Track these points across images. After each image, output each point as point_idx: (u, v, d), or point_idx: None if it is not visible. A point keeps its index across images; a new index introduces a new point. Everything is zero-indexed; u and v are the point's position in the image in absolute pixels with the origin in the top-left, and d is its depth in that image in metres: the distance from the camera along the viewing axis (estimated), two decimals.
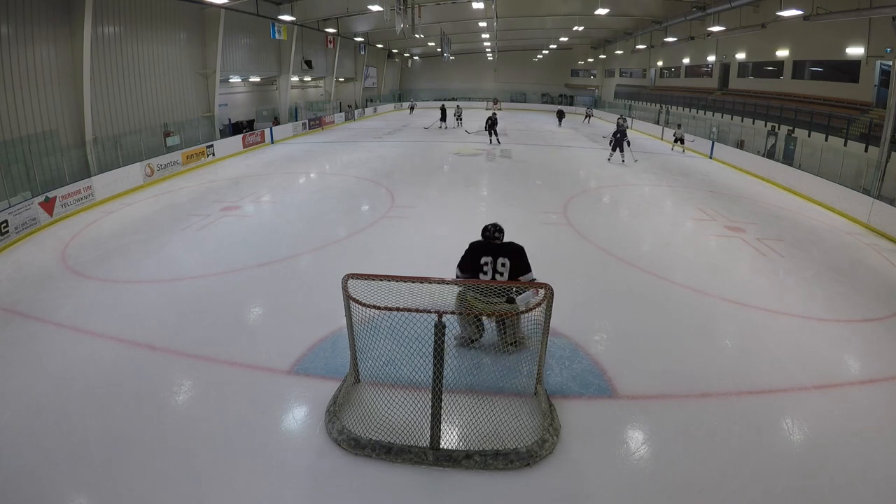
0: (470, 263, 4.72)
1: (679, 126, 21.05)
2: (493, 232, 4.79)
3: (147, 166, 13.23)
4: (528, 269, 4.68)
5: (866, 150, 12.65)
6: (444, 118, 26.51)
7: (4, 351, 5.15)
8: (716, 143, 18.52)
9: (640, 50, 30.38)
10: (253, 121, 22.12)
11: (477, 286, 4.57)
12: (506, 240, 4.87)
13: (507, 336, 4.69)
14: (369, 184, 12.98)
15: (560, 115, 30.72)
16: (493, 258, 4.64)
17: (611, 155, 16.67)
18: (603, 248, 8.22)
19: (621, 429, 4.08)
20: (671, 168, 16.17)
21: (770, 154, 16.28)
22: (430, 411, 3.66)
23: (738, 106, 20.21)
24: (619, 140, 16.24)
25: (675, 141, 20.05)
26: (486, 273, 4.62)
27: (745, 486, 3.51)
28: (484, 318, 4.82)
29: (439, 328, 3.47)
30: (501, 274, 4.59)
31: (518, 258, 4.65)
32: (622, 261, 7.73)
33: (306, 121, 24.42)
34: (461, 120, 26.93)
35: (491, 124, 19.93)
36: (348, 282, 3.85)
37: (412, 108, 34.99)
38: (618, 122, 19.92)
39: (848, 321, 6.02)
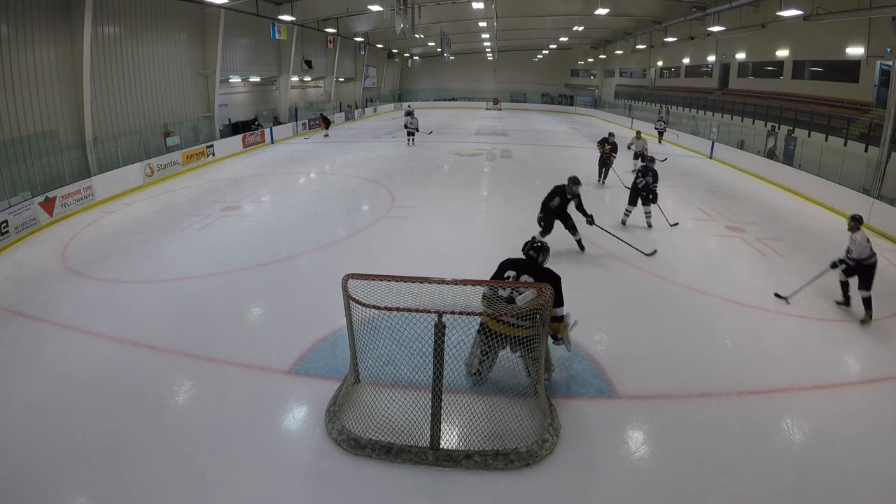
0: (495, 277, 4.33)
1: (660, 119, 19.07)
2: (527, 248, 4.41)
3: (147, 166, 13.23)
4: (559, 301, 4.17)
5: (866, 150, 12.66)
6: (327, 125, 23.40)
7: (5, 351, 5.15)
8: (716, 143, 18.53)
9: (640, 50, 30.36)
10: (256, 119, 22.05)
11: (500, 316, 3.99)
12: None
13: (529, 367, 4.16)
14: (369, 184, 12.98)
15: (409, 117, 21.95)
16: (518, 275, 4.20)
17: (629, 212, 9.48)
18: (603, 248, 8.21)
19: (621, 429, 4.08)
20: (671, 168, 16.14)
21: (770, 154, 16.28)
22: (430, 411, 3.66)
23: (738, 106, 20.21)
24: (645, 180, 9.16)
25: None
26: (508, 289, 4.14)
27: (746, 486, 3.52)
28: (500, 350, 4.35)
29: (439, 328, 3.47)
30: (521, 293, 4.04)
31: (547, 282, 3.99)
32: (622, 261, 7.72)
33: (306, 121, 24.42)
34: (413, 137, 19.92)
35: (557, 211, 7.85)
36: (348, 282, 3.84)
37: (410, 114, 23.55)
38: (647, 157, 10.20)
39: (848, 321, 6.02)
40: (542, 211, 7.86)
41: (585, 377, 4.71)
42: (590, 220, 7.85)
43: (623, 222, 9.49)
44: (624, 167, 13.86)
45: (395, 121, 29.64)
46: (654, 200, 9.33)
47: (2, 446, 3.78)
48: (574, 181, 7.70)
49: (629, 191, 9.49)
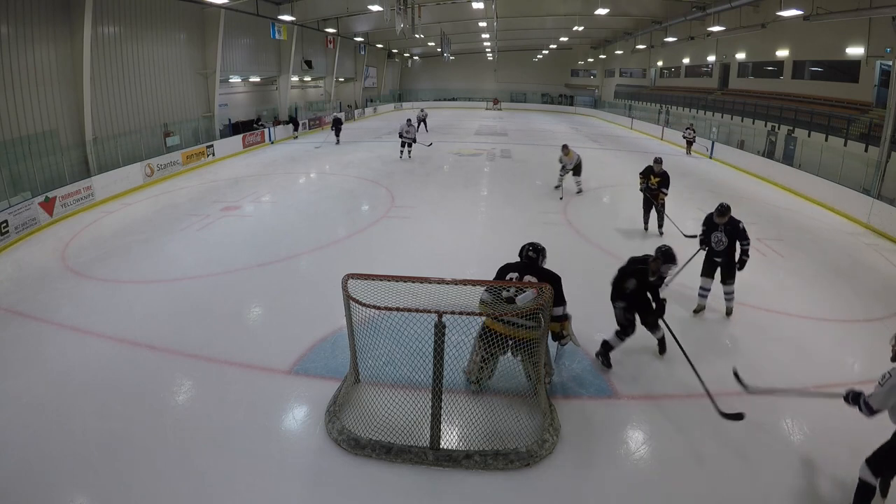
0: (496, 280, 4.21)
1: (689, 128, 19.62)
2: (526, 250, 4.32)
3: (147, 166, 13.23)
4: (559, 301, 4.16)
5: (866, 150, 12.65)
6: (296, 127, 22.37)
7: (5, 351, 5.15)
8: (716, 143, 18.52)
9: (640, 50, 30.35)
10: (259, 118, 21.98)
11: (502, 316, 3.96)
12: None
13: (529, 371, 4.14)
14: (369, 184, 12.98)
15: (336, 126, 20.58)
16: (520, 275, 4.16)
17: (706, 291, 6.12)
18: (603, 248, 8.21)
19: (621, 429, 4.09)
20: (671, 168, 16.10)
21: (770, 154, 16.27)
22: (430, 411, 3.66)
23: (738, 106, 20.20)
24: (715, 237, 6.01)
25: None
26: (509, 290, 4.11)
27: (746, 487, 3.52)
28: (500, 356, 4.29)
29: (439, 328, 3.47)
30: (521, 292, 4.04)
31: (550, 284, 3.92)
32: (622, 261, 7.69)
33: (306, 121, 24.42)
34: (409, 148, 16.58)
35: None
36: (348, 282, 3.84)
37: (422, 120, 22.08)
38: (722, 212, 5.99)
39: (848, 321, 6.02)
40: (619, 299, 4.92)
41: (585, 377, 4.71)
42: (661, 307, 4.84)
43: (700, 309, 6.10)
44: (682, 213, 9.27)
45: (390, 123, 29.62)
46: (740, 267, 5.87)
47: (2, 446, 3.78)
48: (666, 257, 4.76)
49: (704, 256, 6.10)
